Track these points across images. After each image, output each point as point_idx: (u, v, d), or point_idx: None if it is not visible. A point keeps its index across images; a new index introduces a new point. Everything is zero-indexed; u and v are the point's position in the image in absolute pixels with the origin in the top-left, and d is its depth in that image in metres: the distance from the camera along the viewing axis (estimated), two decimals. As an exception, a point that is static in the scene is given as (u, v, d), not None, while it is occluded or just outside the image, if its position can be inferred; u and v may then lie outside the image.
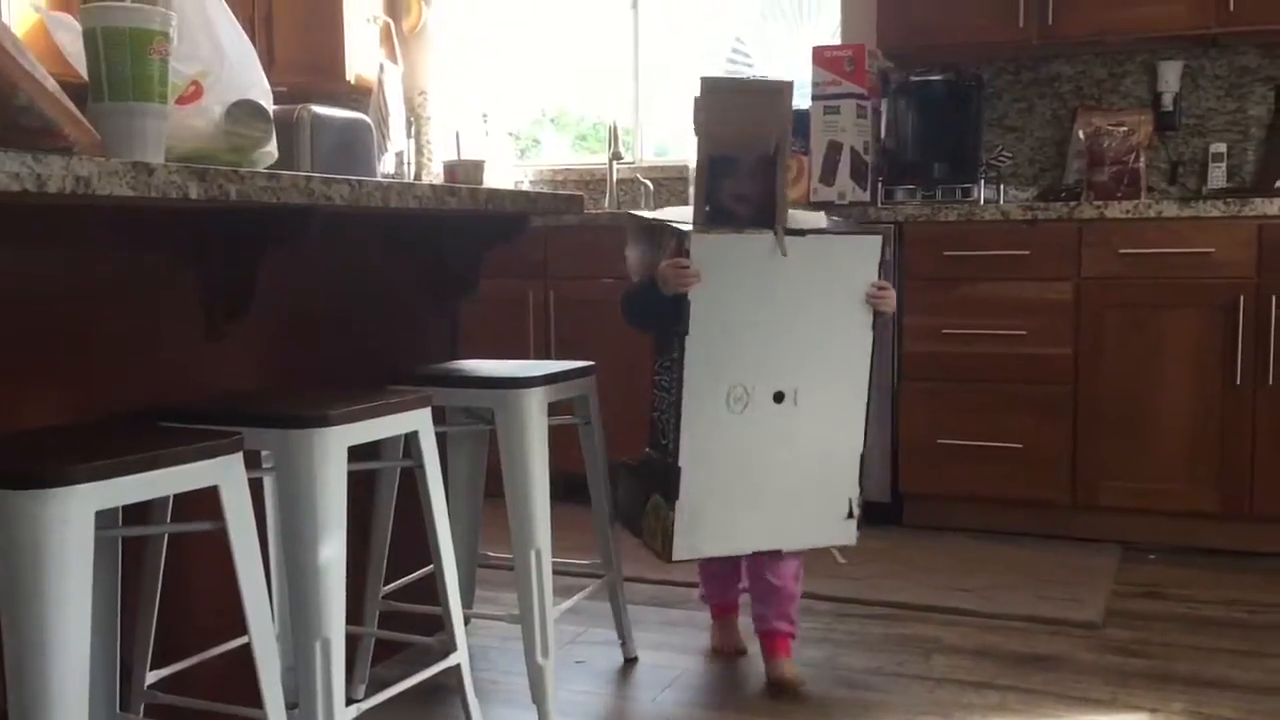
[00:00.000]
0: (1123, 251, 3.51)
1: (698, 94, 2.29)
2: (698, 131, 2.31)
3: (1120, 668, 2.58)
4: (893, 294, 2.39)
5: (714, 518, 2.35)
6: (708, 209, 2.32)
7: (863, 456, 2.43)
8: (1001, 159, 4.11)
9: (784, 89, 2.30)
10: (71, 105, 1.68)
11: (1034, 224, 3.59)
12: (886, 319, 2.43)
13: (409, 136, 4.95)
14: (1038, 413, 3.61)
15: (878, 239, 2.36)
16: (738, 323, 2.29)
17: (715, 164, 2.31)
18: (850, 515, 2.43)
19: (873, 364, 2.39)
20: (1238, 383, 3.41)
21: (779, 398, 2.34)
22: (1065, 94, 4.17)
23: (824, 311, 2.34)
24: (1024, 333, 3.61)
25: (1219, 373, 3.44)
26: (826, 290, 2.33)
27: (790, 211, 2.40)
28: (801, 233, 2.30)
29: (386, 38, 4.89)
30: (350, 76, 4.70)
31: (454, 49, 5.03)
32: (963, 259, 3.66)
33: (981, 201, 3.93)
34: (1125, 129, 3.88)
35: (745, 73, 4.67)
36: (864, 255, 2.35)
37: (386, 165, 4.67)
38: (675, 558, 2.34)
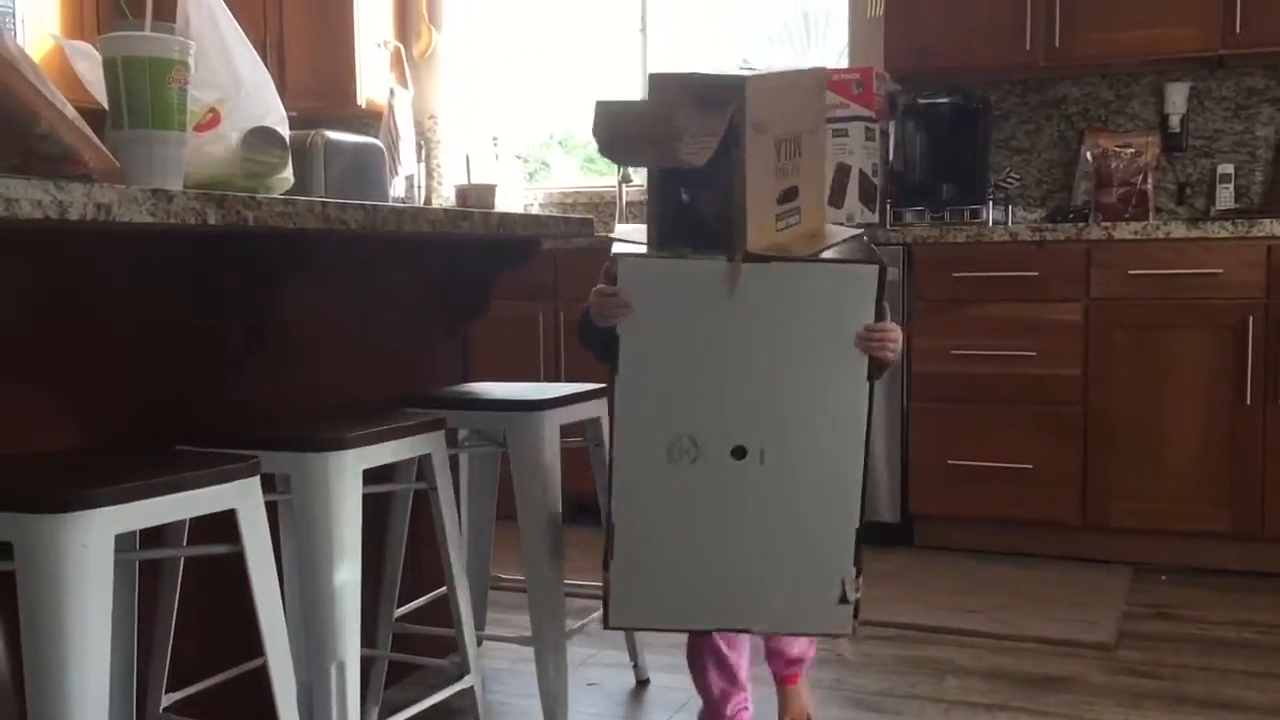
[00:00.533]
0: (1131, 272, 3.51)
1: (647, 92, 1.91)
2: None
3: (1133, 689, 2.58)
4: (895, 336, 1.91)
5: (658, 585, 1.99)
6: (659, 227, 1.92)
7: (859, 532, 1.96)
8: (1009, 180, 4.12)
9: (743, 83, 1.84)
10: (90, 132, 1.70)
11: (1043, 245, 3.61)
12: (888, 367, 1.97)
13: (419, 160, 4.98)
14: (1047, 433, 3.61)
15: (871, 270, 1.90)
16: (682, 363, 1.92)
17: (668, 172, 1.91)
18: (844, 600, 1.98)
19: (870, 420, 1.94)
20: (1248, 402, 3.41)
21: (739, 453, 1.93)
22: (1072, 116, 4.19)
23: (802, 356, 1.92)
24: (1033, 353, 3.61)
25: (1228, 393, 3.44)
26: (804, 330, 1.91)
27: (826, 226, 2.10)
28: (766, 259, 1.87)
29: (397, 62, 4.93)
30: (361, 101, 4.74)
31: (463, 73, 5.06)
32: (972, 280, 3.67)
33: (990, 223, 3.95)
34: (1133, 150, 3.90)
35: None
36: (854, 290, 1.90)
37: (397, 189, 4.70)
38: (611, 624, 2.01)
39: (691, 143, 1.79)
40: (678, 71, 1.83)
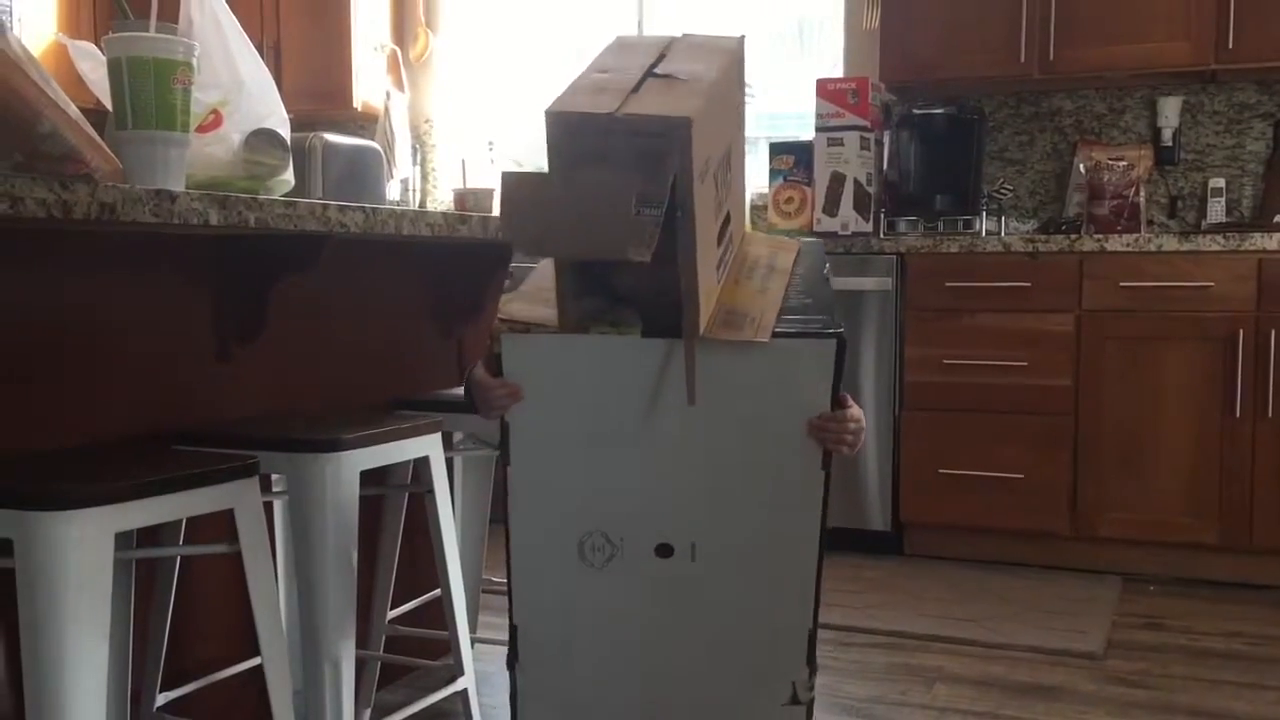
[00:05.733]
0: (1123, 284, 3.54)
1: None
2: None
3: (1122, 699, 2.59)
4: (854, 429, 1.59)
5: (576, 694, 1.71)
6: (568, 304, 1.56)
7: (813, 632, 1.67)
8: (1003, 191, 4.15)
9: (687, 125, 1.39)
10: (93, 132, 1.71)
11: (1035, 256, 3.63)
12: (848, 456, 1.63)
13: (415, 163, 4.99)
14: (1038, 443, 3.63)
15: (828, 345, 1.57)
16: (591, 454, 1.62)
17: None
18: (795, 701, 1.69)
19: (825, 511, 1.63)
20: (1237, 415, 3.43)
21: (664, 551, 1.64)
22: (1066, 128, 4.21)
23: (742, 444, 1.61)
24: (1025, 364, 3.63)
25: (1219, 405, 3.46)
26: (746, 415, 1.60)
27: (752, 234, 1.80)
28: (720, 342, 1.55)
29: (393, 66, 4.94)
30: (357, 104, 4.75)
31: (459, 77, 5.07)
32: (964, 290, 3.69)
33: (983, 233, 3.97)
34: (1125, 163, 3.92)
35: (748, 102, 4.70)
36: (807, 371, 1.58)
37: (392, 192, 4.70)
38: None
39: (637, 229, 1.37)
40: (594, 112, 1.40)
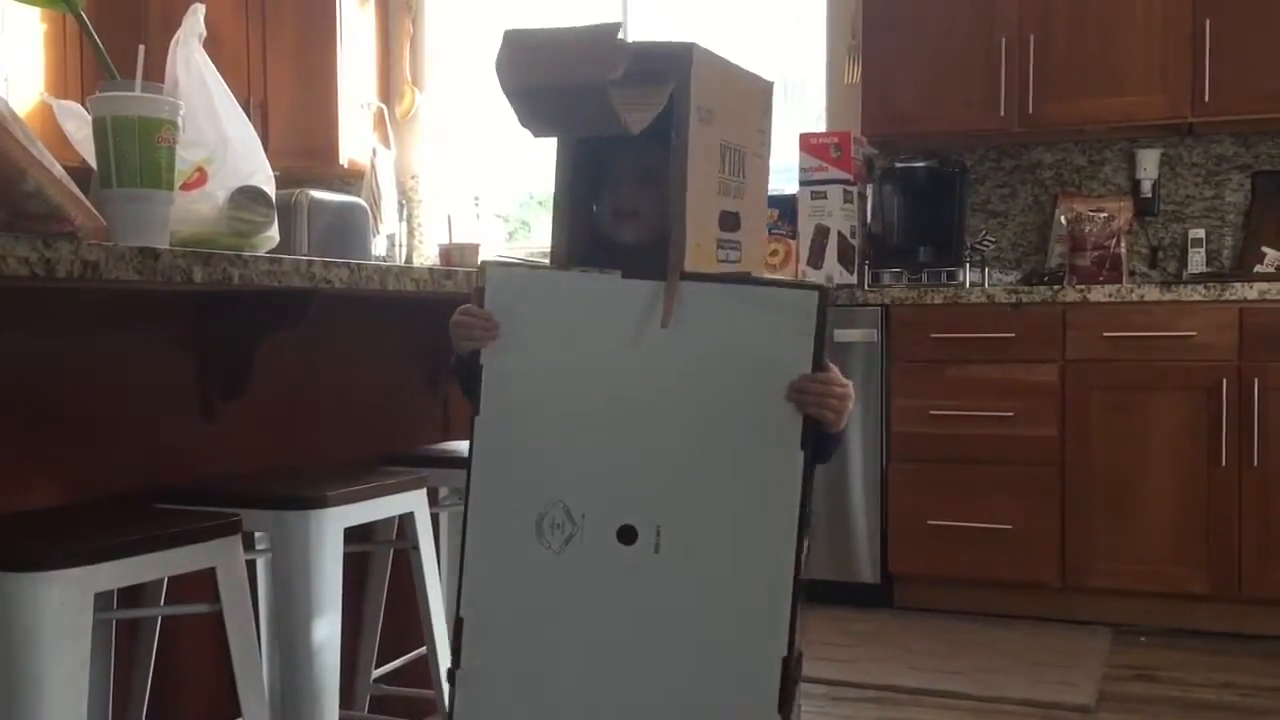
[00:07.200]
0: (1106, 334, 3.56)
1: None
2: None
3: (1114, 752, 2.57)
4: (838, 393, 1.46)
5: (519, 705, 1.51)
6: (562, 245, 1.51)
7: (792, 663, 1.45)
8: (985, 243, 4.18)
9: (689, 53, 1.40)
10: (77, 191, 1.71)
11: (1019, 307, 3.65)
12: (833, 428, 1.47)
13: (401, 219, 5.01)
14: (1025, 494, 3.63)
15: (809, 296, 1.45)
16: (561, 409, 1.50)
17: (579, 175, 1.50)
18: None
19: (806, 506, 1.46)
20: (1223, 464, 3.44)
21: (627, 535, 1.47)
22: (1046, 180, 4.26)
23: (716, 410, 1.47)
24: (1011, 414, 3.64)
25: (1204, 455, 3.47)
26: (721, 376, 1.47)
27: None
28: (703, 278, 1.46)
29: (379, 123, 4.97)
30: (344, 160, 4.78)
31: (445, 134, 5.11)
32: (949, 341, 3.70)
33: (967, 285, 4.00)
34: (1106, 215, 3.96)
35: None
36: (787, 323, 1.45)
37: (379, 247, 4.71)
38: None
39: (631, 103, 1.36)
40: (607, 24, 1.38)
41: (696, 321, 1.46)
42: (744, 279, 1.52)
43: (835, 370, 1.48)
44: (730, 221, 1.53)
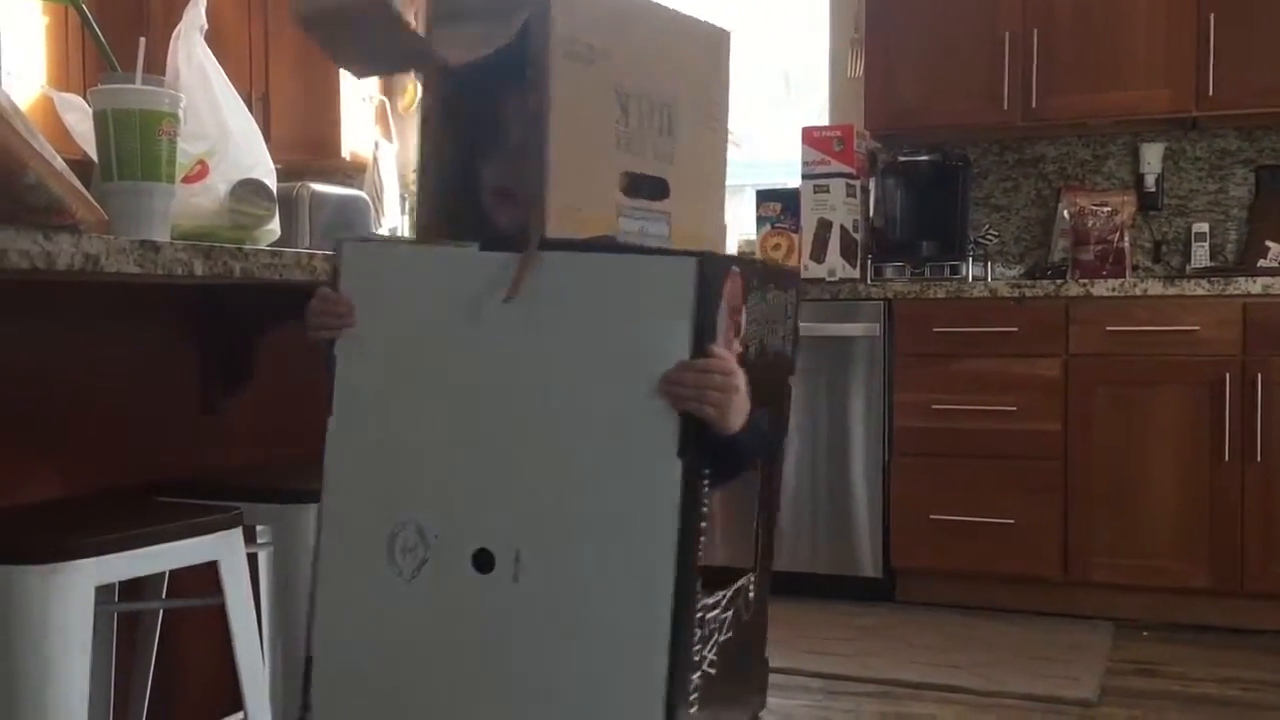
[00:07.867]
0: (1109, 329, 3.55)
1: None
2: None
3: (1116, 746, 2.57)
4: (718, 382, 1.19)
5: None
6: (425, 215, 1.35)
7: (676, 704, 1.22)
8: (988, 237, 4.17)
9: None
10: (78, 183, 1.71)
11: (1022, 301, 3.64)
12: (720, 427, 1.20)
13: (403, 212, 5.00)
14: (1028, 488, 3.62)
15: (684, 265, 1.20)
16: (413, 410, 1.30)
17: (453, 111, 1.32)
18: None
19: (691, 525, 1.21)
20: (1226, 459, 3.43)
21: (483, 562, 1.26)
22: (1050, 174, 4.25)
23: (583, 408, 1.24)
24: (1014, 408, 3.63)
25: (1207, 449, 3.46)
26: (588, 368, 1.24)
27: None
28: (566, 245, 1.23)
29: (381, 116, 4.96)
30: (345, 154, 4.77)
31: (448, 127, 5.10)
32: (952, 335, 3.70)
33: (970, 279, 3.99)
34: (1109, 209, 3.95)
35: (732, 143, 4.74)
36: (658, 300, 1.20)
37: (381, 241, 4.71)
38: None
39: (453, 35, 1.16)
40: None
41: (556, 301, 1.23)
42: (611, 245, 1.25)
43: (725, 354, 1.20)
44: (648, 188, 1.29)
